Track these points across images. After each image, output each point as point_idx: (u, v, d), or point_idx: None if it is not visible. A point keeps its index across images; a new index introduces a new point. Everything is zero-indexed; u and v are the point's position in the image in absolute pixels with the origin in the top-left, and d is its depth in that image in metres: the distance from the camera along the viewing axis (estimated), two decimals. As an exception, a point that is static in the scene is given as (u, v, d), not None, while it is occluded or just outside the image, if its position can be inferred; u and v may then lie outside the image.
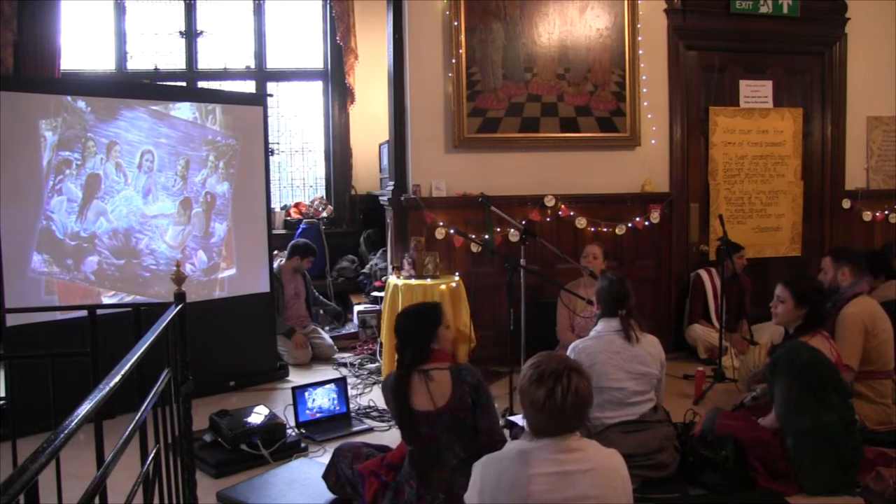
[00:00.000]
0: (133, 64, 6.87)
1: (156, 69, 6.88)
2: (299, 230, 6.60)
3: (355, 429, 3.78)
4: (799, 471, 2.91)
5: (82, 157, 4.02)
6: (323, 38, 7.26)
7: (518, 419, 3.42)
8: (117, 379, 1.56)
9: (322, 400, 3.87)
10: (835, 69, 5.64)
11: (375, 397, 4.30)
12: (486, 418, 2.66)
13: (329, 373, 4.91)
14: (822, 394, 2.94)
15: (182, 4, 6.93)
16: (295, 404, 3.77)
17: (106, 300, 4.08)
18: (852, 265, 3.74)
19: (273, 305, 4.94)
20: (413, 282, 4.45)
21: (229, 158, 4.62)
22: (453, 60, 4.85)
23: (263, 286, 4.78)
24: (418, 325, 2.72)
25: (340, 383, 3.98)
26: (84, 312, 2.57)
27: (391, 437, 3.59)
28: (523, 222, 4.78)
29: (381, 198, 5.56)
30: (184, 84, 6.84)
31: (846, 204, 5.72)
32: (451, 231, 4.79)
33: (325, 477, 2.90)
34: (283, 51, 7.23)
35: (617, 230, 5.12)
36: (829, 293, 3.62)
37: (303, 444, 3.53)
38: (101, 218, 4.11)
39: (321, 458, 3.35)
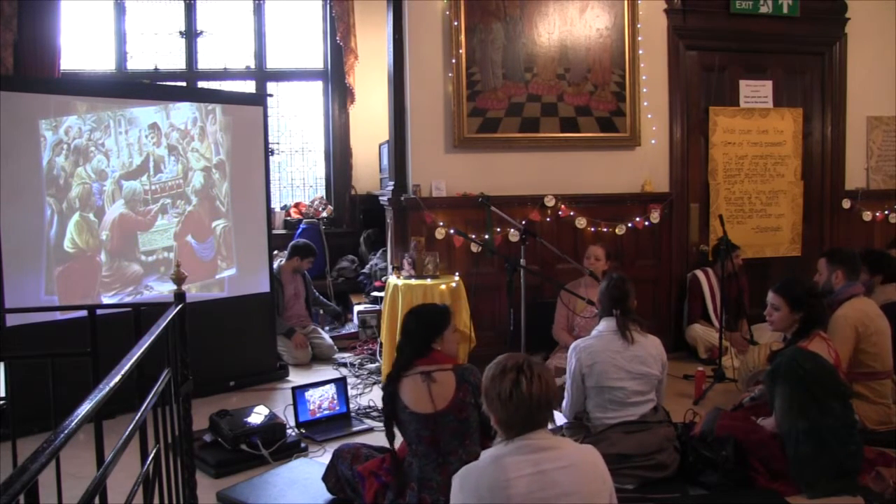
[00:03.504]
0: (133, 64, 6.87)
1: (156, 69, 6.88)
2: (299, 230, 6.60)
3: (355, 429, 3.78)
4: (799, 479, 2.91)
5: (82, 157, 4.02)
6: (323, 38, 7.26)
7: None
8: (117, 379, 1.56)
9: (322, 400, 3.87)
10: (835, 69, 5.64)
11: (375, 397, 4.30)
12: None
13: (329, 373, 4.91)
14: (824, 401, 2.93)
15: (182, 4, 6.93)
16: (295, 404, 3.77)
17: (106, 300, 4.08)
18: (846, 268, 3.74)
19: (273, 305, 4.94)
20: (413, 282, 4.45)
21: (229, 158, 4.62)
22: (453, 60, 4.84)
23: (263, 286, 4.78)
24: (425, 324, 2.73)
25: (340, 383, 3.98)
26: (84, 312, 2.56)
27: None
28: (523, 222, 4.78)
29: (381, 198, 5.56)
30: (184, 84, 6.84)
31: (846, 204, 5.72)
32: (451, 231, 4.79)
33: (325, 478, 2.91)
34: (283, 51, 7.23)
35: (617, 230, 5.12)
36: (823, 294, 3.62)
37: (303, 444, 3.53)
38: (100, 218, 4.12)
39: (321, 458, 3.35)
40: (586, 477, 1.84)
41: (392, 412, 2.67)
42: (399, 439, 2.76)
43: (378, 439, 3.54)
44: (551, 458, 1.83)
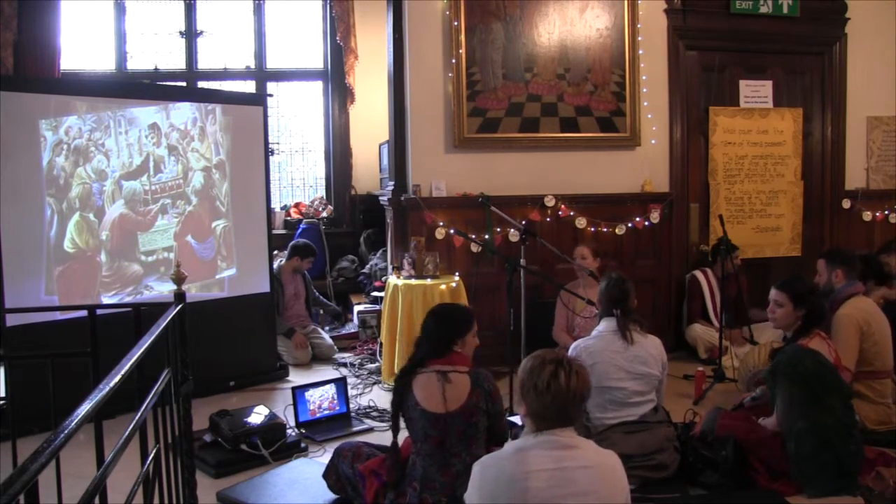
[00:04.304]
0: (133, 64, 6.87)
1: (156, 69, 6.88)
2: (299, 230, 6.60)
3: (355, 429, 3.78)
4: (800, 477, 2.91)
5: (82, 157, 4.02)
6: (323, 38, 7.26)
7: (517, 419, 3.41)
8: (117, 379, 1.56)
9: (322, 400, 3.87)
10: (835, 69, 5.64)
11: (375, 397, 4.31)
12: (499, 423, 2.71)
13: (329, 373, 4.91)
14: (824, 399, 2.93)
15: (182, 4, 6.93)
16: (295, 404, 3.77)
17: (106, 300, 4.08)
18: (845, 267, 3.75)
19: (273, 305, 4.94)
20: (413, 282, 4.45)
21: (229, 158, 4.62)
22: (453, 60, 4.84)
23: (263, 286, 4.78)
24: (449, 324, 2.71)
25: (340, 383, 3.98)
26: (84, 312, 2.56)
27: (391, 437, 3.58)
28: (523, 222, 4.78)
29: (381, 198, 5.56)
30: (184, 84, 6.84)
31: (846, 204, 5.72)
32: (451, 231, 4.79)
33: (326, 476, 2.91)
34: (283, 51, 7.23)
35: (617, 230, 5.12)
36: (823, 294, 3.62)
37: (303, 444, 3.53)
38: (100, 218, 4.11)
39: (321, 458, 3.35)
40: (605, 479, 1.87)
41: (401, 406, 2.66)
42: (402, 436, 2.76)
43: (379, 438, 3.54)
44: (573, 456, 1.85)
